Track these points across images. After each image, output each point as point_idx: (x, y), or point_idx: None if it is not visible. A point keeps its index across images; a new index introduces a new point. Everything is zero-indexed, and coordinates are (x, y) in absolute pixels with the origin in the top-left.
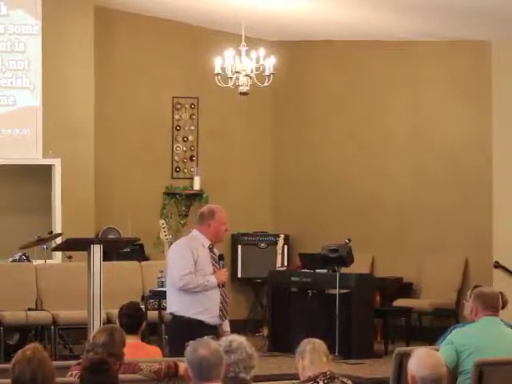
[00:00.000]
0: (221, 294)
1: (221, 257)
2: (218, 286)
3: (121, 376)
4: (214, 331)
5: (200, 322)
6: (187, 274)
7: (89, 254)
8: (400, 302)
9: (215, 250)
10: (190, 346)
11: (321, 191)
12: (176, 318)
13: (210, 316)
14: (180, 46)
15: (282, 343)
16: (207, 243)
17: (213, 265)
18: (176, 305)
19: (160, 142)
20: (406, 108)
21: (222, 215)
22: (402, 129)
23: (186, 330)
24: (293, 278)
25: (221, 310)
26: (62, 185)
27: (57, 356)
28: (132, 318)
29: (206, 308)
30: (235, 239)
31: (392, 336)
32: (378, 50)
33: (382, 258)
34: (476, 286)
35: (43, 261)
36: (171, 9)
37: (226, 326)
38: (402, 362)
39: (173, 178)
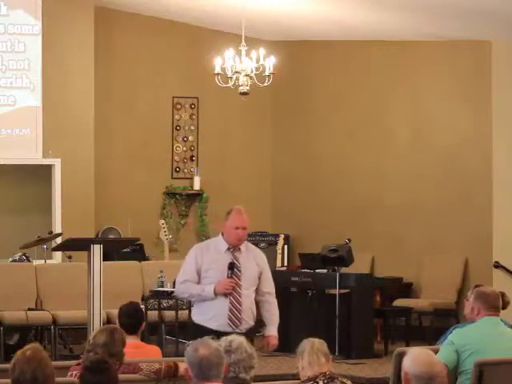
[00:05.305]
0: (230, 303)
1: (230, 265)
2: (221, 295)
3: (121, 376)
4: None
5: (211, 329)
6: (182, 283)
7: (89, 254)
8: (400, 302)
9: (238, 253)
10: (190, 346)
11: (321, 191)
12: (192, 323)
13: (217, 324)
14: (180, 46)
15: (282, 343)
16: (225, 247)
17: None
18: (193, 310)
19: (160, 142)
20: (406, 108)
21: (235, 217)
22: (402, 128)
23: (201, 334)
24: (293, 278)
25: (230, 319)
26: (61, 185)
27: (57, 356)
28: (132, 318)
29: (211, 316)
30: None
31: (392, 336)
32: (378, 50)
33: (381, 258)
34: (476, 286)
35: (43, 261)
36: (171, 9)
37: (269, 331)
38: (401, 362)
39: (173, 178)
